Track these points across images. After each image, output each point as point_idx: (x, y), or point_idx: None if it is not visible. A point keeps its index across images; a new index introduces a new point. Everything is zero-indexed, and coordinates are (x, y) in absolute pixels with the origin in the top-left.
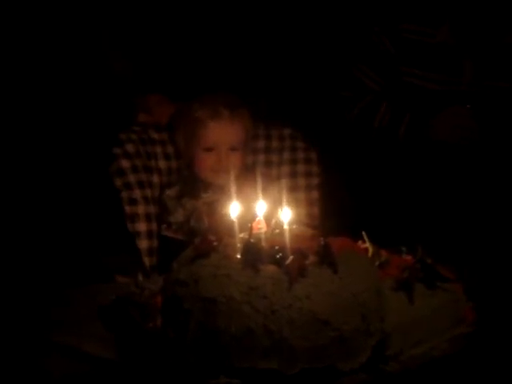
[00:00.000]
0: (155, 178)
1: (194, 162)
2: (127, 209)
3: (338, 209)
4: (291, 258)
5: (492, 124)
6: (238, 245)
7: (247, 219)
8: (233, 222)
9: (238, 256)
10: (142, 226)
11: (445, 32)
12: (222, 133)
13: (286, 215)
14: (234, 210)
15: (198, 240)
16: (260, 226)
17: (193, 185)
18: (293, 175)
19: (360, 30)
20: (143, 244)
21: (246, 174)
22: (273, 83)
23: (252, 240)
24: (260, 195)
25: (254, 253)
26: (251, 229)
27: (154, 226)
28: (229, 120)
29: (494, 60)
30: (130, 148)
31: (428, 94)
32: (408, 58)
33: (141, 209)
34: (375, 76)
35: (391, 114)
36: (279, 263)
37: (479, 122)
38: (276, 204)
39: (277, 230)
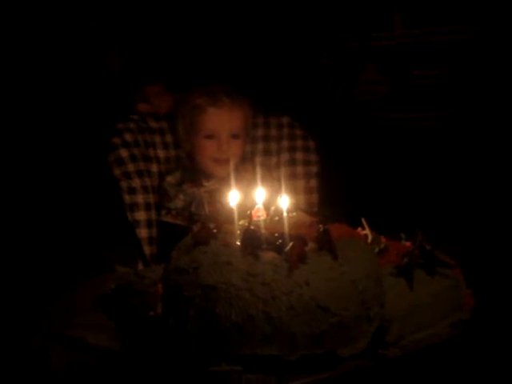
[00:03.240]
0: (154, 167)
1: (194, 150)
2: (126, 198)
3: (337, 196)
4: (291, 244)
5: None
6: (238, 232)
7: (247, 207)
8: (232, 209)
9: (238, 243)
10: (141, 215)
11: None
12: (221, 119)
13: (285, 203)
14: (233, 197)
15: (197, 226)
16: (259, 213)
17: (193, 173)
18: (292, 163)
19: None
20: (143, 233)
21: (245, 162)
22: (268, 74)
23: (251, 227)
24: (259, 183)
25: (253, 240)
26: (250, 216)
27: (154, 215)
28: (228, 106)
29: (421, 8)
30: (128, 137)
31: (368, 54)
32: (347, 24)
33: (140, 198)
34: (326, 52)
35: (333, 84)
36: (279, 250)
37: (393, 75)
38: (275, 192)
39: (276, 218)
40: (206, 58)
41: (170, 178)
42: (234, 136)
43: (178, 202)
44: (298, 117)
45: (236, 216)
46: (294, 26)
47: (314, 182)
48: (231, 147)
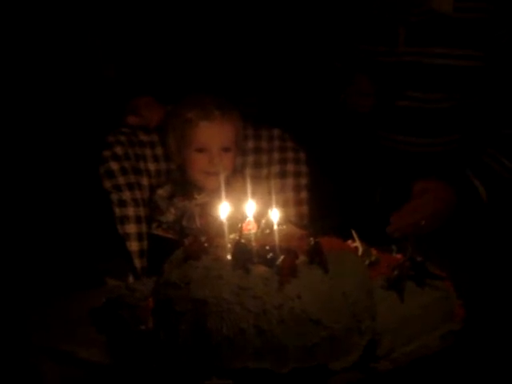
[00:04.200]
0: (144, 180)
1: (185, 163)
2: (117, 211)
3: (328, 208)
4: (282, 257)
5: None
6: (229, 245)
7: (238, 220)
8: (222, 222)
9: (229, 257)
10: (131, 228)
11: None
12: (212, 133)
13: (276, 215)
14: (223, 210)
15: (188, 240)
16: (250, 226)
17: (184, 186)
18: (282, 175)
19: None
20: (133, 246)
21: (236, 174)
22: (261, 84)
23: (242, 240)
24: (250, 196)
25: (244, 253)
26: (241, 229)
27: (144, 228)
28: (219, 120)
29: (425, 27)
30: (118, 150)
31: (369, 67)
32: (357, 33)
33: (130, 211)
34: (339, 55)
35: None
36: (270, 263)
37: (380, 87)
38: (265, 204)
39: (267, 231)
40: (200, 66)
41: (160, 191)
42: (226, 149)
43: (169, 216)
44: (290, 128)
45: (227, 229)
46: (304, 30)
47: (304, 194)
48: (223, 160)
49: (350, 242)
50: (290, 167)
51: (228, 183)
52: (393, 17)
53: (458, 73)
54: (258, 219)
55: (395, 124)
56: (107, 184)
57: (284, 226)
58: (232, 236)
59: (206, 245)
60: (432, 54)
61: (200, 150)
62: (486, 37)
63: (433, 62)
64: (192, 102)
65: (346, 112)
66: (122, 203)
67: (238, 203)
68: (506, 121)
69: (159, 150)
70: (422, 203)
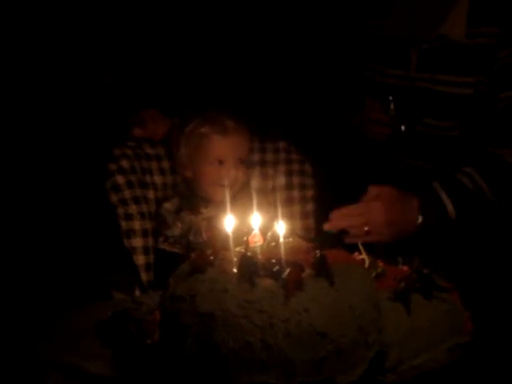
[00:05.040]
0: (150, 194)
1: (197, 176)
2: (123, 224)
3: None
4: (288, 271)
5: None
6: (235, 258)
7: (243, 233)
8: (228, 235)
9: (235, 270)
10: (138, 242)
11: (391, 23)
12: (229, 146)
13: (282, 228)
14: (229, 223)
15: (195, 254)
16: (256, 239)
17: (191, 200)
18: (288, 187)
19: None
20: (140, 260)
21: (242, 187)
22: (264, 97)
23: (248, 253)
24: (255, 208)
25: (250, 266)
26: (247, 242)
27: (151, 242)
28: (235, 133)
29: (435, 53)
30: (124, 163)
31: (379, 89)
32: (368, 53)
33: (137, 224)
34: (350, 72)
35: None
36: (276, 276)
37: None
38: (271, 217)
39: (273, 243)
40: (202, 79)
41: (167, 205)
42: (241, 160)
43: (176, 230)
44: (297, 140)
45: (232, 242)
46: (314, 44)
47: (310, 207)
48: (239, 172)
49: (356, 254)
50: (295, 179)
51: (234, 196)
52: (405, 41)
53: (470, 101)
54: (263, 232)
55: (406, 147)
56: (113, 198)
57: (290, 239)
58: (238, 249)
59: (211, 258)
60: (443, 82)
61: (216, 163)
62: (493, 62)
63: (443, 90)
64: (204, 115)
65: (360, 135)
66: (128, 217)
67: (243, 216)
68: (494, 139)
69: (165, 163)
70: (370, 209)
